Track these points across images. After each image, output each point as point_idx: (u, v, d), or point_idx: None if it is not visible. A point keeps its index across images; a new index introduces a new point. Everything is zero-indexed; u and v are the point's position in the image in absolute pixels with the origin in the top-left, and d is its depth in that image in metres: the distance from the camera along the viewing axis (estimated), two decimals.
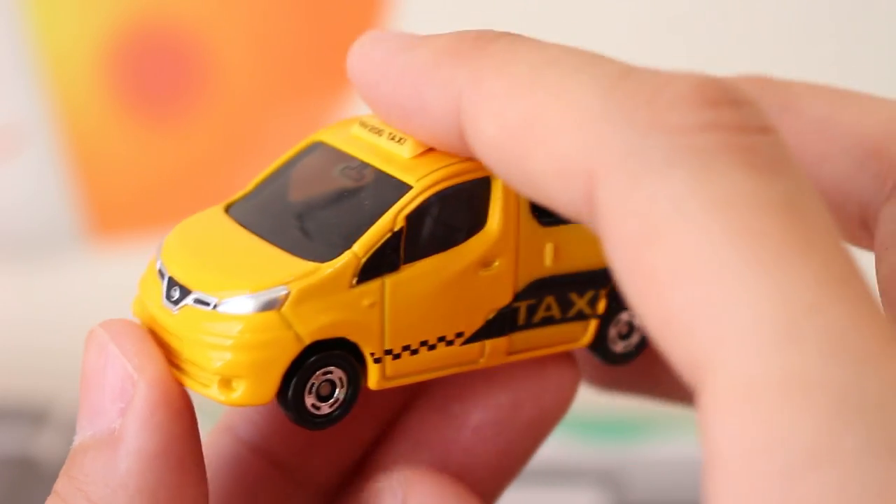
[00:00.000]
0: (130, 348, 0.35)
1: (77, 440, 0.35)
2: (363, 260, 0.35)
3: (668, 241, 0.27)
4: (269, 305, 0.34)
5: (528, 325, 0.37)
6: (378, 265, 0.35)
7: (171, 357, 0.35)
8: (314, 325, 0.34)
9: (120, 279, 0.86)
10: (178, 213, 0.91)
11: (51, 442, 0.75)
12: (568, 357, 0.39)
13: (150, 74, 0.85)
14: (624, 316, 0.38)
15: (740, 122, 0.29)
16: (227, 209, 0.37)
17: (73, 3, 0.84)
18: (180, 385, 0.35)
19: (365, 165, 0.36)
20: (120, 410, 0.34)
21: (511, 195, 0.36)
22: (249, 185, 0.37)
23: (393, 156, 0.35)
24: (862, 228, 0.38)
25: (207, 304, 0.34)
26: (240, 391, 0.34)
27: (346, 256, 0.35)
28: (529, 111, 0.31)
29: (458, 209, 0.36)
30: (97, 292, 0.86)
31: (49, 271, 0.86)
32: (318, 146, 0.37)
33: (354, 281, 0.35)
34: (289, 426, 0.38)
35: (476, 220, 0.36)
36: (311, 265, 0.35)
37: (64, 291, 0.86)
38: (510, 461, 0.39)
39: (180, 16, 0.84)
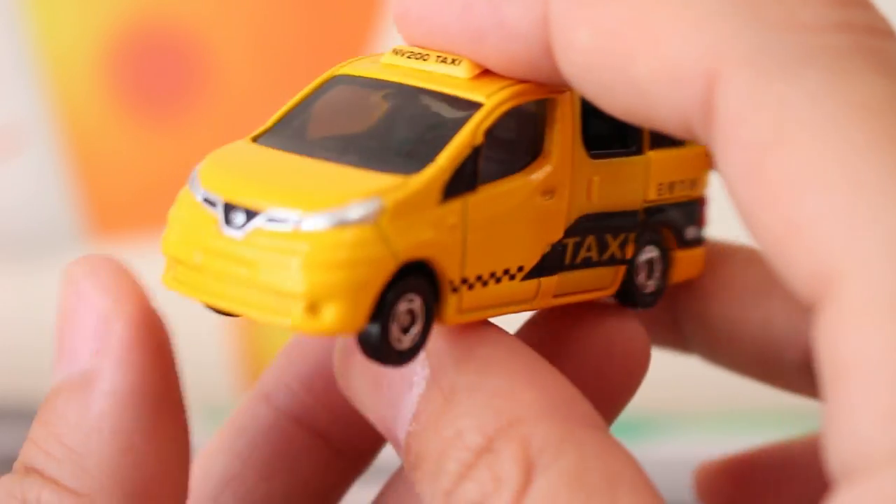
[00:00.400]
0: (106, 285, 0.33)
1: (52, 381, 0.33)
2: (448, 175, 0.32)
3: (801, 143, 0.26)
4: (363, 219, 0.31)
5: (573, 265, 0.35)
6: (459, 183, 0.32)
7: (232, 290, 0.31)
8: (411, 241, 0.31)
9: None
10: None
11: None
12: (637, 332, 0.36)
13: (150, 74, 0.85)
14: (642, 257, 0.37)
15: (871, 24, 0.28)
16: (256, 140, 0.35)
17: (73, 3, 0.84)
18: (160, 322, 0.33)
19: (414, 89, 0.34)
20: (94, 351, 0.32)
21: (569, 120, 0.34)
22: (270, 121, 0.35)
23: (447, 78, 0.33)
24: (802, 376, 0.38)
25: (286, 221, 0.31)
26: (330, 316, 0.30)
27: (433, 170, 0.32)
28: (632, 13, 0.29)
29: (525, 131, 0.34)
30: None
31: (49, 271, 0.86)
32: (340, 79, 0.35)
33: (441, 197, 0.32)
34: (328, 394, 0.36)
35: (538, 145, 0.34)
36: (397, 178, 0.31)
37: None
38: None
39: (180, 16, 0.84)
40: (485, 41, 0.32)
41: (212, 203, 0.32)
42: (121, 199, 0.86)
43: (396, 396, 0.32)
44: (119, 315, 0.32)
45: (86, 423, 0.32)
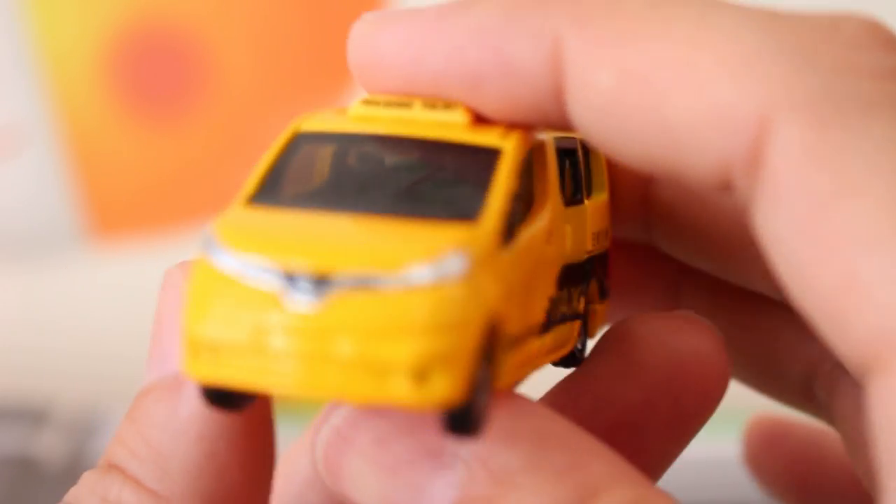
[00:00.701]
0: None
1: (145, 380, 0.32)
2: (502, 224, 0.28)
3: (866, 197, 0.24)
4: (461, 273, 0.27)
5: (558, 321, 0.32)
6: (507, 232, 0.29)
7: (307, 371, 0.27)
8: (494, 296, 0.27)
9: (120, 279, 0.86)
10: (178, 213, 0.91)
11: (51, 442, 0.75)
12: (715, 344, 0.33)
13: (150, 74, 0.85)
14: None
15: None
16: (253, 201, 0.30)
17: (74, 3, 0.84)
18: None
19: (415, 140, 0.30)
20: None
21: (553, 164, 0.31)
22: (252, 184, 0.30)
23: (446, 126, 0.30)
24: (803, 392, 0.35)
25: (372, 283, 0.26)
26: (440, 386, 0.26)
27: (491, 218, 0.28)
28: (666, 51, 0.26)
29: (530, 177, 0.31)
30: (97, 292, 0.86)
31: (49, 271, 0.86)
32: (307, 138, 0.31)
33: (498, 248, 0.28)
34: None
35: (531, 191, 0.31)
36: (462, 226, 0.28)
37: (64, 291, 0.86)
38: (646, 467, 0.33)
39: (180, 16, 0.84)
40: (483, 85, 0.29)
41: (259, 272, 0.27)
42: (121, 199, 0.86)
43: (422, 481, 0.28)
44: None
45: (173, 425, 0.30)
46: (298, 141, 0.31)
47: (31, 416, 0.79)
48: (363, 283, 0.27)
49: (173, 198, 0.86)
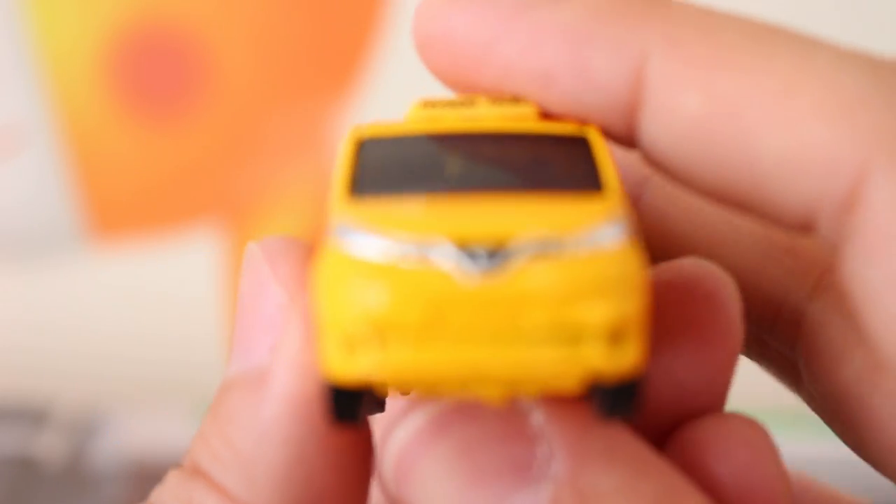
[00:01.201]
0: (286, 272, 0.28)
1: (227, 372, 0.29)
2: (623, 194, 0.27)
3: None
4: (626, 235, 0.25)
5: None
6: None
7: (493, 347, 0.25)
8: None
9: (120, 279, 0.86)
10: (179, 214, 0.91)
11: (51, 442, 0.75)
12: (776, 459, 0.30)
13: (151, 74, 0.85)
14: None
15: None
16: (354, 194, 0.27)
17: (74, 3, 0.84)
18: None
19: (484, 133, 0.28)
20: (271, 347, 0.28)
21: (613, 159, 0.30)
22: (343, 181, 0.27)
23: (516, 118, 0.28)
24: (771, 325, 0.33)
25: (555, 247, 0.25)
26: (632, 348, 0.25)
27: (613, 188, 0.27)
28: (763, 81, 0.25)
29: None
30: (97, 292, 0.86)
31: (49, 271, 0.86)
32: (370, 143, 0.29)
33: None
34: None
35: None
36: (596, 195, 0.26)
37: (64, 291, 0.86)
38: None
39: (181, 16, 0.84)
40: (554, 85, 0.28)
41: (423, 248, 0.25)
42: (121, 200, 0.86)
43: (504, 495, 0.27)
44: (298, 308, 0.28)
45: (256, 426, 0.28)
46: (367, 145, 0.29)
47: (31, 416, 0.79)
48: (546, 249, 0.25)
49: (174, 198, 0.86)
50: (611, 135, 0.28)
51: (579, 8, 0.27)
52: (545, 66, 0.28)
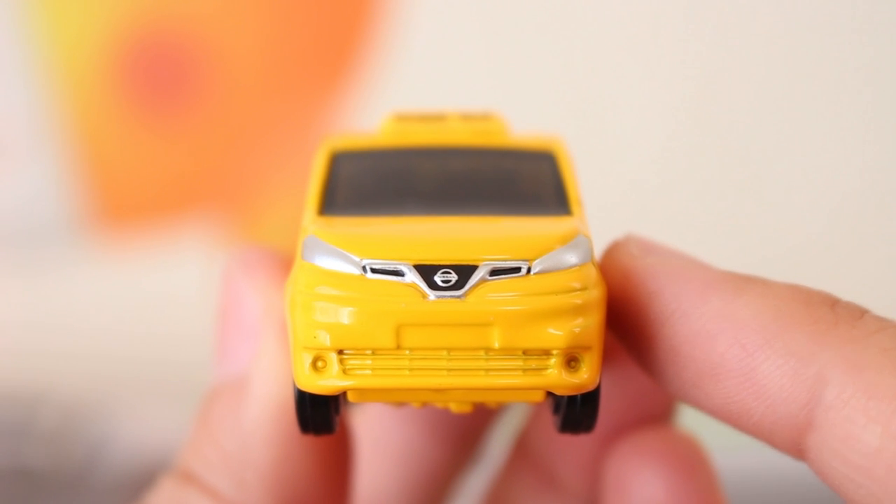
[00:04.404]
0: (263, 282, 0.30)
1: (212, 380, 0.31)
2: (585, 216, 0.28)
3: None
4: (587, 256, 0.27)
5: None
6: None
7: (451, 360, 0.26)
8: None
9: (122, 279, 0.86)
10: (183, 213, 0.91)
11: (44, 448, 0.75)
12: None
13: (155, 75, 0.85)
14: None
15: None
16: (323, 214, 0.29)
17: (79, 4, 0.84)
18: None
19: (455, 148, 0.29)
20: (250, 352, 0.30)
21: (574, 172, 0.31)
22: (313, 199, 0.29)
23: (485, 134, 0.30)
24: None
25: (517, 270, 0.26)
26: (586, 368, 0.26)
27: (577, 210, 0.28)
28: None
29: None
30: (99, 292, 0.86)
31: (51, 271, 0.86)
32: (342, 157, 0.30)
33: None
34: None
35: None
36: (560, 217, 0.28)
37: (66, 291, 0.86)
38: None
39: (185, 17, 0.84)
40: (722, 380, 0.27)
41: (395, 273, 0.26)
42: (123, 200, 0.86)
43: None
44: (273, 318, 0.29)
45: (241, 429, 0.30)
46: (340, 159, 0.30)
47: (24, 418, 0.79)
48: (508, 272, 0.26)
49: (176, 198, 0.86)
50: (773, 442, 0.28)
51: (759, 305, 0.27)
52: (716, 358, 0.27)
